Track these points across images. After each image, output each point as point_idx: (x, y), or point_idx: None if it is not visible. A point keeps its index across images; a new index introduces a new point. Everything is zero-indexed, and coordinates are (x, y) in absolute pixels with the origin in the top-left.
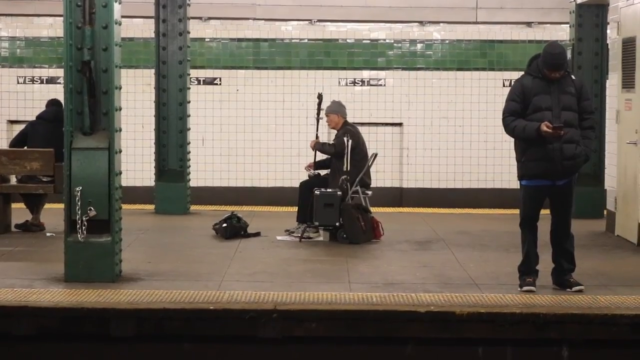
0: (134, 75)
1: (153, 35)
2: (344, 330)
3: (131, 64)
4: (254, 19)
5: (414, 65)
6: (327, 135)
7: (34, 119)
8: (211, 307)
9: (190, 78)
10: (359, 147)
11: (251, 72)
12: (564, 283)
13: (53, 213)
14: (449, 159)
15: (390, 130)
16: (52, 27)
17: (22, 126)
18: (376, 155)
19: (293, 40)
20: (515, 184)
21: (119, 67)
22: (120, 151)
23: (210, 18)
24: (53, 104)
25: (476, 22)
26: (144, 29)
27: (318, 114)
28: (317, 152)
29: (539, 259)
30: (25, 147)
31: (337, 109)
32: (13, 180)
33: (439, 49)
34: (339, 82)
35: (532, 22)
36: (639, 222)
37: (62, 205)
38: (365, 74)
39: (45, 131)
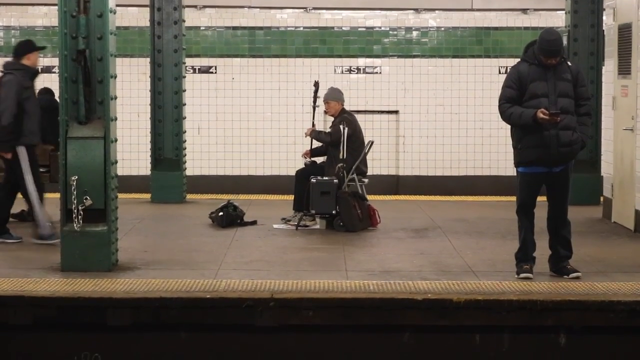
0: (129, 64)
1: (148, 24)
2: (341, 318)
3: (126, 53)
4: (249, 7)
5: (409, 52)
6: (324, 123)
7: None
8: (208, 296)
9: (186, 66)
10: (356, 135)
11: (247, 60)
12: (561, 270)
13: (49, 202)
14: (445, 147)
15: (386, 117)
16: (46, 16)
17: None
18: (372, 143)
19: (288, 28)
20: (511, 170)
21: (114, 55)
22: (116, 140)
23: (205, 6)
24: (45, 92)
25: (472, 9)
26: (139, 17)
27: (314, 102)
28: (314, 140)
29: (536, 246)
30: None
31: (338, 96)
32: None
33: (435, 37)
34: (335, 70)
35: (528, 9)
36: (635, 208)
37: (58, 195)
38: (361, 61)
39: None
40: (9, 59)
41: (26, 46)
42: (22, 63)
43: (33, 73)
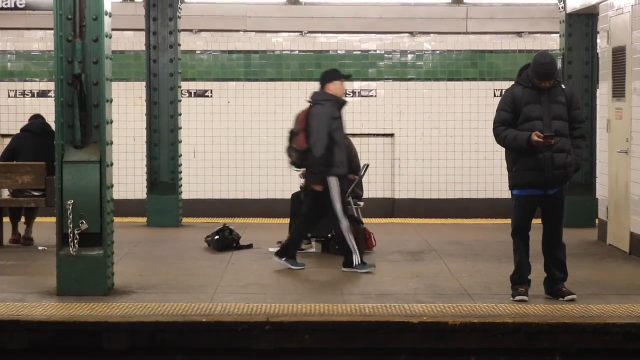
0: (125, 88)
1: (144, 48)
2: (336, 341)
3: (122, 77)
4: (245, 30)
5: (404, 75)
6: None
7: (19, 132)
8: (204, 320)
9: (181, 90)
10: (351, 159)
11: (242, 84)
12: (556, 292)
13: (45, 227)
14: (440, 169)
15: (381, 140)
16: (42, 40)
17: None
18: (368, 166)
19: (284, 52)
20: (507, 193)
21: (109, 79)
22: (112, 164)
23: (200, 30)
24: (37, 117)
25: (466, 32)
26: (134, 41)
27: None
28: None
29: (531, 269)
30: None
31: None
32: (5, 194)
33: (430, 60)
34: None
35: (522, 32)
36: (630, 230)
37: (53, 219)
38: (357, 84)
39: (33, 144)
40: (316, 90)
41: (328, 75)
42: (328, 93)
43: (341, 103)
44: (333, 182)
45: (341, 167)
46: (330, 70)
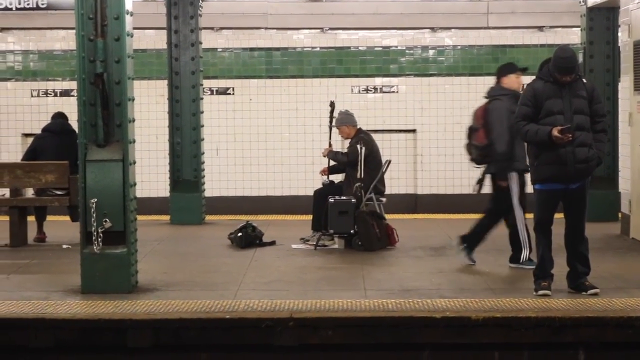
0: (147, 86)
1: (165, 47)
2: (360, 337)
3: (144, 76)
4: (266, 28)
5: (426, 71)
6: (341, 142)
7: (40, 132)
8: (227, 317)
9: (203, 88)
10: (373, 155)
11: (264, 81)
12: (579, 286)
13: (68, 225)
14: (463, 165)
15: (404, 136)
16: (64, 40)
17: None
18: (390, 162)
19: (305, 49)
20: (529, 188)
21: (131, 78)
22: (135, 162)
23: (222, 28)
24: (59, 116)
25: (487, 27)
26: (156, 40)
27: (331, 122)
28: (331, 160)
29: (554, 263)
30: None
31: (346, 120)
32: (29, 193)
33: (451, 55)
34: (352, 89)
35: (544, 26)
36: None
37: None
38: (378, 81)
39: (53, 144)
40: (492, 85)
41: (503, 69)
42: (504, 87)
43: (517, 97)
44: (514, 178)
45: (522, 161)
46: (505, 64)
